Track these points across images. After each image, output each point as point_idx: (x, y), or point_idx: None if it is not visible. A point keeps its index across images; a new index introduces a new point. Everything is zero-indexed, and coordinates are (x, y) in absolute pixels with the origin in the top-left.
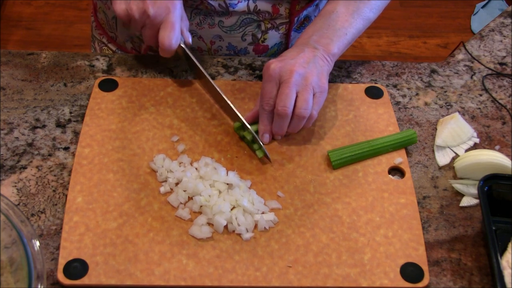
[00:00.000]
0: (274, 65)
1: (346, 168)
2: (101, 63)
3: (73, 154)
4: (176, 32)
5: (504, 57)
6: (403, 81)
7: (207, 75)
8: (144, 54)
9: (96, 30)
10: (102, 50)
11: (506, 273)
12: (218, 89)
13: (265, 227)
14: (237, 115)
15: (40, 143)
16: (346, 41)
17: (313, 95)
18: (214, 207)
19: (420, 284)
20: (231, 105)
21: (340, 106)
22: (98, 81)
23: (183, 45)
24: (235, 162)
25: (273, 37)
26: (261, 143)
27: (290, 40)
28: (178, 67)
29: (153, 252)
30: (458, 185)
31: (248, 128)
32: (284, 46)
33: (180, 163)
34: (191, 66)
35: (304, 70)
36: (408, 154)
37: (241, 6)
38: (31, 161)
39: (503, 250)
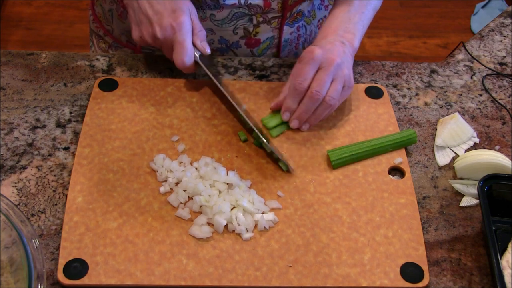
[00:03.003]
0: (318, 50)
1: (346, 168)
2: (101, 63)
3: (73, 154)
4: (186, 50)
5: (504, 57)
6: (403, 81)
7: (225, 91)
8: (139, 49)
9: (94, 23)
10: (99, 43)
11: (506, 273)
12: (237, 107)
13: (265, 227)
14: (255, 131)
15: (40, 143)
16: (363, 34)
17: (342, 87)
18: (214, 207)
19: (420, 284)
20: (252, 126)
21: (340, 106)
22: (98, 81)
23: (199, 61)
24: (235, 162)
25: (265, 31)
26: (281, 154)
27: (283, 35)
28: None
29: (153, 252)
30: (458, 185)
31: (267, 145)
32: (276, 40)
33: (180, 163)
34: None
35: (341, 61)
36: (408, 154)
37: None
38: (31, 161)
39: (503, 250)
